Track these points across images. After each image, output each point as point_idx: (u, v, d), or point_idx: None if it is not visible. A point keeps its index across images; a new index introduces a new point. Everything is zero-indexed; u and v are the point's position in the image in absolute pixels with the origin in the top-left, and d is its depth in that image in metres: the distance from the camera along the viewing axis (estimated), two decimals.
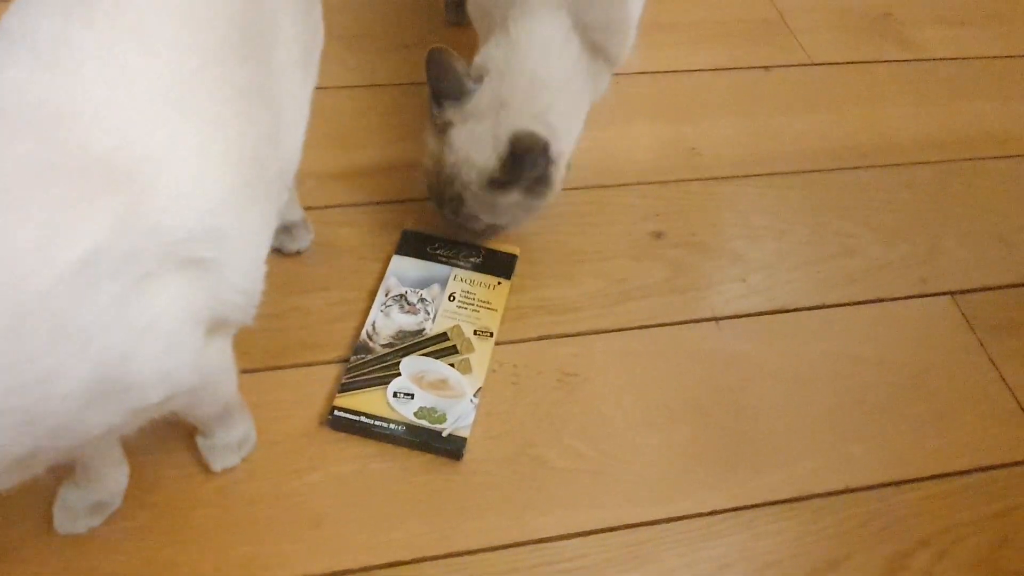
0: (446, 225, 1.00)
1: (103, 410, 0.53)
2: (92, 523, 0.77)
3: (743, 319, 1.02)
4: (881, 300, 1.05)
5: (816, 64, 1.37)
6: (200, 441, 0.82)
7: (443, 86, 0.90)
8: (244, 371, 0.76)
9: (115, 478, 0.79)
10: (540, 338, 0.98)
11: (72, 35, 0.56)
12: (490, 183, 0.90)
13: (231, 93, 0.62)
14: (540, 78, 0.90)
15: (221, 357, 0.69)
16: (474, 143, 0.90)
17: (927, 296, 1.06)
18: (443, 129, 0.92)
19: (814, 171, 1.20)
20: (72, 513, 0.77)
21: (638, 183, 1.15)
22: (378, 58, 1.27)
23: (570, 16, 0.90)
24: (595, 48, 0.94)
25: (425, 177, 0.96)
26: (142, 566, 0.77)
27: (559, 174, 0.94)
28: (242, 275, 0.63)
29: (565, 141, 0.93)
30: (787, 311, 1.03)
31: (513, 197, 0.92)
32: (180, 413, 0.72)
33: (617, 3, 0.93)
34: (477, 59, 0.93)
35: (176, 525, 0.80)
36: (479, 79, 0.91)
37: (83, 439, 0.54)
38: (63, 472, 0.78)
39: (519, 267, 1.02)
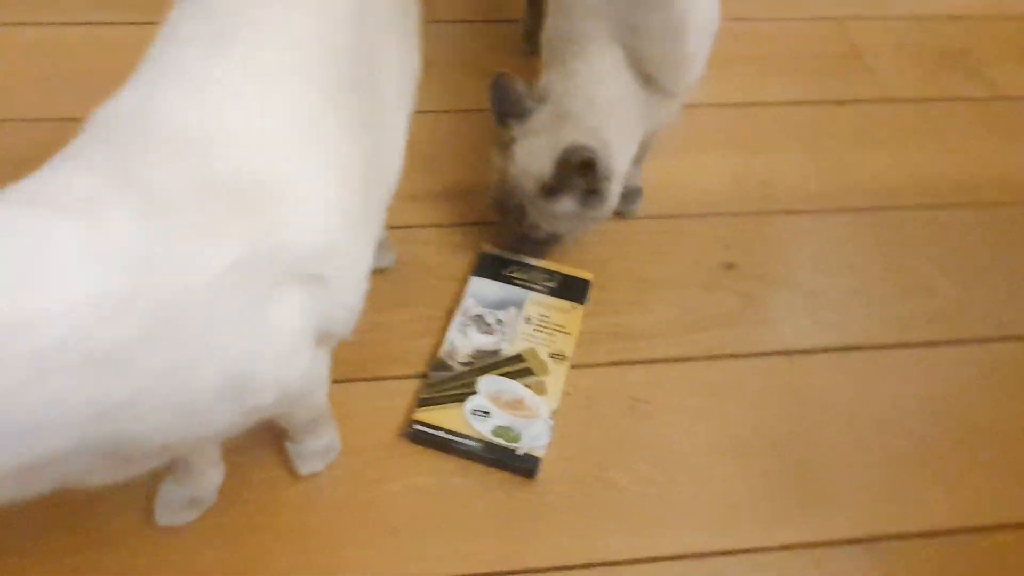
0: (511, 237, 1.06)
1: (226, 408, 0.57)
2: (189, 517, 0.82)
3: (815, 355, 1.02)
4: (959, 342, 1.04)
5: (891, 100, 1.37)
6: (289, 447, 0.86)
7: (507, 107, 0.99)
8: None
9: (211, 477, 0.83)
10: (612, 363, 1.00)
11: (214, 67, 0.61)
12: (545, 190, 0.96)
13: (347, 120, 0.67)
14: (594, 100, 0.97)
15: (322, 367, 0.73)
16: (533, 155, 0.97)
17: (1006, 340, 1.05)
18: (507, 145, 0.99)
19: (889, 208, 1.20)
20: (171, 507, 0.81)
21: (710, 214, 1.17)
22: (458, 85, 1.31)
23: (623, 49, 0.95)
24: (648, 80, 0.97)
25: (491, 192, 1.03)
26: (231, 561, 0.81)
27: (612, 189, 0.99)
28: (350, 291, 0.67)
29: (617, 159, 0.98)
30: (861, 348, 1.03)
31: (567, 205, 0.97)
32: (277, 418, 0.77)
33: (673, 39, 0.96)
34: (539, 84, 1.01)
35: (263, 524, 0.84)
36: (541, 100, 0.99)
37: (205, 434, 0.58)
38: (164, 469, 0.83)
39: (592, 293, 1.05)
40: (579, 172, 0.94)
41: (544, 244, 1.05)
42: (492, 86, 1.00)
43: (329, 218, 0.63)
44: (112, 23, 1.30)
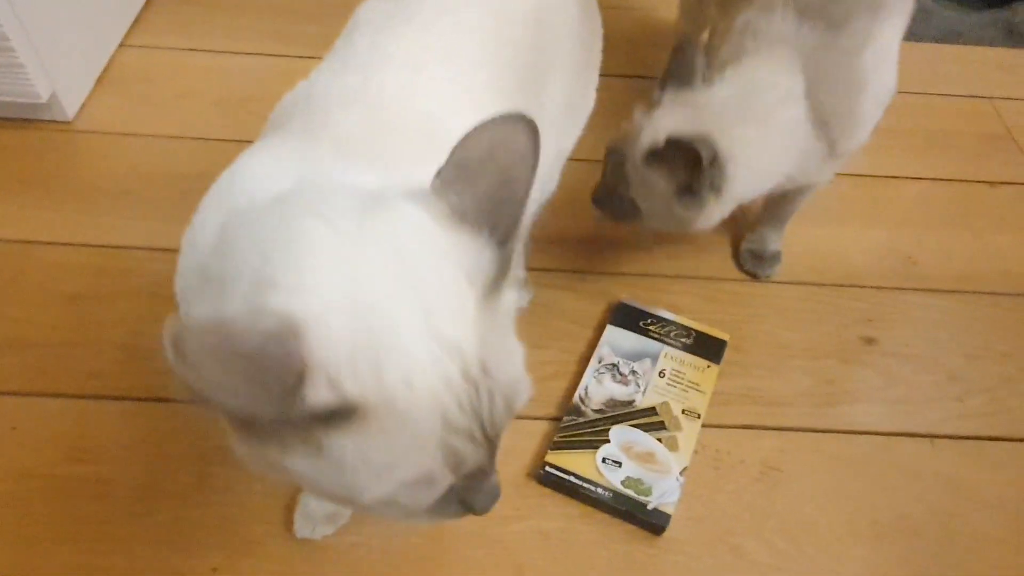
0: (602, 187, 1.03)
1: None
2: (326, 531, 0.85)
3: (961, 441, 0.98)
4: None
5: None
6: None
7: (677, 70, 0.96)
8: None
9: None
10: (744, 427, 0.98)
11: (382, 45, 0.66)
12: (648, 155, 0.91)
13: (507, 105, 0.70)
14: (754, 114, 0.91)
15: None
16: (664, 121, 0.92)
17: None
18: (653, 106, 0.96)
19: None
20: (311, 520, 0.84)
21: (851, 285, 1.15)
22: (603, 136, 1.34)
23: (805, 80, 0.90)
24: (821, 126, 0.92)
25: (612, 139, 0.99)
26: None
27: (711, 203, 0.92)
28: None
29: (735, 180, 0.91)
30: (1011, 440, 0.98)
31: (659, 183, 0.93)
32: None
33: (851, 91, 0.92)
34: (715, 66, 0.96)
35: (392, 548, 0.86)
36: (708, 82, 0.94)
37: None
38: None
39: (727, 354, 1.04)
40: (685, 160, 0.89)
41: (621, 211, 0.99)
42: (677, 48, 0.96)
43: None
44: (283, 55, 1.41)
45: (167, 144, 1.25)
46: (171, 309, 0.56)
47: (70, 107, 1.27)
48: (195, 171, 0.64)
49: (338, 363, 0.40)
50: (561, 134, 0.88)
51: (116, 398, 0.95)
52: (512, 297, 0.49)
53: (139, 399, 0.95)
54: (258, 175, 0.55)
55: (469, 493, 0.48)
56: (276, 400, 0.39)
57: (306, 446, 0.42)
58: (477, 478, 0.48)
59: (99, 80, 1.34)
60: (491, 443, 0.47)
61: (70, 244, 1.11)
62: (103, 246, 1.11)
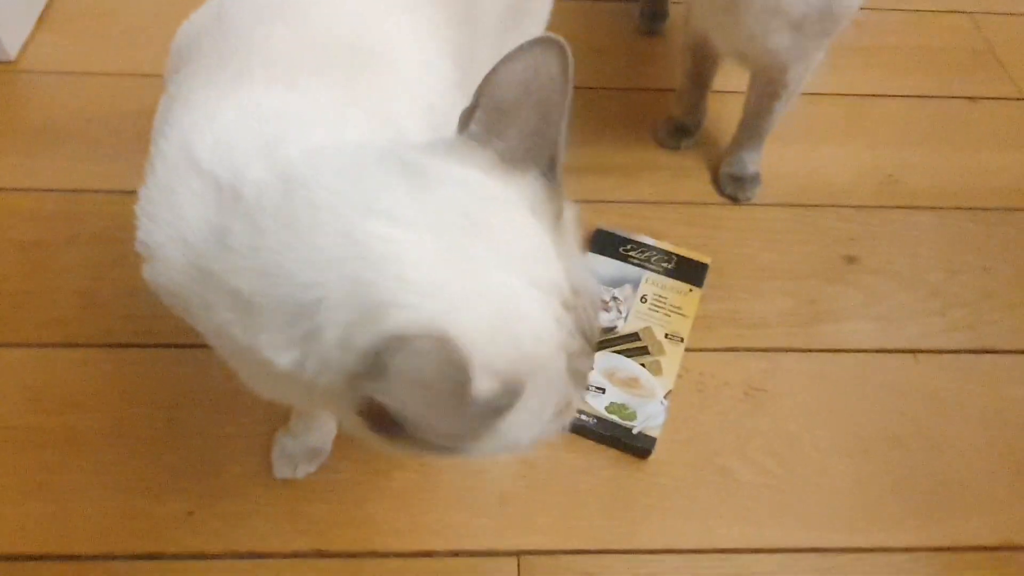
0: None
1: None
2: (308, 469, 0.83)
3: (943, 355, 0.97)
4: None
5: None
6: None
7: None
8: None
9: (326, 426, 0.84)
10: (728, 349, 0.97)
11: None
12: None
13: (445, 16, 0.64)
14: None
15: None
16: None
17: None
18: None
19: (1022, 210, 1.13)
20: (290, 459, 0.82)
21: (831, 205, 1.13)
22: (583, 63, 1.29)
23: None
24: None
25: None
26: (341, 516, 0.82)
27: None
28: None
29: None
30: (993, 352, 0.98)
31: None
32: None
33: None
34: None
35: (377, 483, 0.84)
36: None
37: None
38: (279, 423, 0.85)
39: (709, 277, 1.02)
40: None
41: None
42: None
43: (434, 89, 0.60)
44: None
45: (119, 82, 1.19)
46: (130, 253, 0.51)
47: (11, 46, 1.19)
48: (149, 109, 0.59)
49: (489, 352, 0.41)
50: (505, 39, 0.81)
51: (78, 345, 0.91)
52: (571, 211, 0.49)
53: (101, 345, 0.91)
54: (220, 146, 0.48)
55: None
56: (464, 412, 0.39)
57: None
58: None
59: (41, 17, 1.26)
60: (593, 346, 0.49)
61: (20, 190, 1.05)
62: (56, 190, 1.05)
